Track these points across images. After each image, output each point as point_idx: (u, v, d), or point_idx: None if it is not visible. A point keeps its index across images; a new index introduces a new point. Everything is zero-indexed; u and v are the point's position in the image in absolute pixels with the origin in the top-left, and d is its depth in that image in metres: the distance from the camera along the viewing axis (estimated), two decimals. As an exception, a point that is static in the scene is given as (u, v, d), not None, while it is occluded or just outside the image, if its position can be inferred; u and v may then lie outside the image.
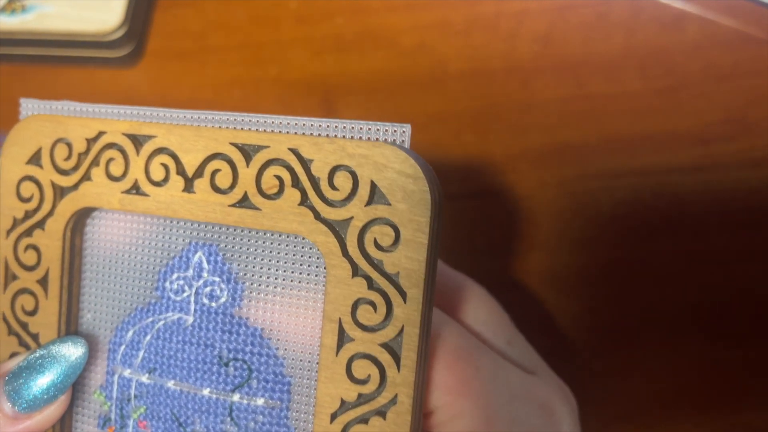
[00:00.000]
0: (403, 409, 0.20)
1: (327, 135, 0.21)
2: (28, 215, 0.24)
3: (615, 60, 0.36)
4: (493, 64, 0.37)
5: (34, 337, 0.24)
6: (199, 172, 0.22)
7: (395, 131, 0.20)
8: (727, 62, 0.36)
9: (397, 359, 0.20)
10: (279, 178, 0.21)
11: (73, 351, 0.23)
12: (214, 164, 0.22)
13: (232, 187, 0.21)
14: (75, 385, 0.24)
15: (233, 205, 0.21)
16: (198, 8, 0.39)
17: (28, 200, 0.24)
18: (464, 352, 0.22)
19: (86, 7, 0.39)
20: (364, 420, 0.20)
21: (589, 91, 0.36)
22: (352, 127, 0.20)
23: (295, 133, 0.21)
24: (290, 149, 0.21)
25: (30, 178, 0.24)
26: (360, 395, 0.20)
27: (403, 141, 0.20)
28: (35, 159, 0.24)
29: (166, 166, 0.22)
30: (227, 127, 0.22)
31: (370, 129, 0.20)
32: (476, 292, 0.27)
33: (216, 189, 0.22)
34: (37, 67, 0.39)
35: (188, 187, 0.22)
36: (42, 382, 0.22)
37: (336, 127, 0.21)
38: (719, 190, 0.34)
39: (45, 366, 0.22)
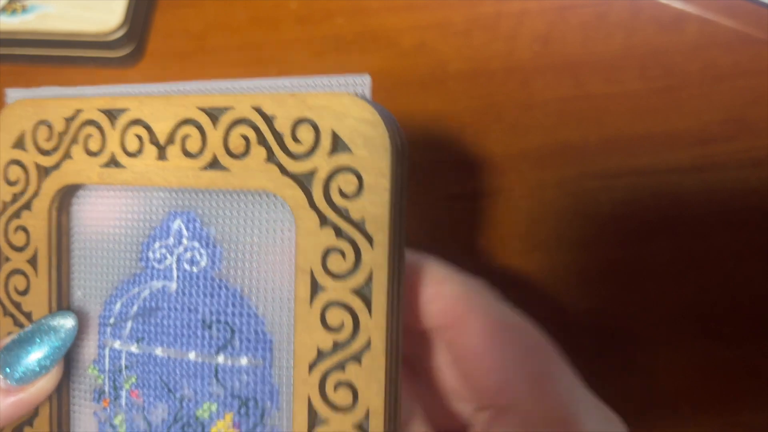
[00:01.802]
0: (377, 353, 0.20)
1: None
2: (16, 198, 0.24)
3: (614, 60, 0.36)
4: (493, 64, 0.37)
5: (28, 315, 0.24)
6: (170, 139, 0.22)
7: (356, 83, 0.21)
8: (727, 62, 0.36)
9: (368, 304, 0.20)
10: (245, 137, 0.21)
11: (62, 323, 0.23)
12: (184, 130, 0.22)
13: (202, 150, 0.22)
14: (70, 362, 0.24)
15: (204, 168, 0.22)
16: (198, 9, 0.39)
17: (15, 183, 0.24)
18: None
19: (87, 8, 0.39)
20: (341, 367, 0.20)
21: (589, 91, 0.36)
22: (314, 84, 0.21)
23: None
24: (253, 107, 0.21)
25: (16, 161, 0.24)
26: (335, 343, 0.20)
27: (364, 92, 0.21)
28: (19, 143, 0.24)
29: (139, 137, 0.23)
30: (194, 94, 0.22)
31: (331, 83, 0.21)
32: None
33: (187, 154, 0.22)
34: (37, 67, 0.39)
35: (161, 155, 0.22)
36: (34, 355, 0.22)
37: (298, 84, 0.21)
38: (718, 190, 0.34)
39: (36, 339, 0.22)
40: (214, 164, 0.22)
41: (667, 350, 0.33)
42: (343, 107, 0.20)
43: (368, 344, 0.20)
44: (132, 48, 0.39)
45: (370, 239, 0.20)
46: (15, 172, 0.24)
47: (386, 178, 0.20)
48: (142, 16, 0.39)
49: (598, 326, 0.33)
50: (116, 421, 0.24)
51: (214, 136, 0.22)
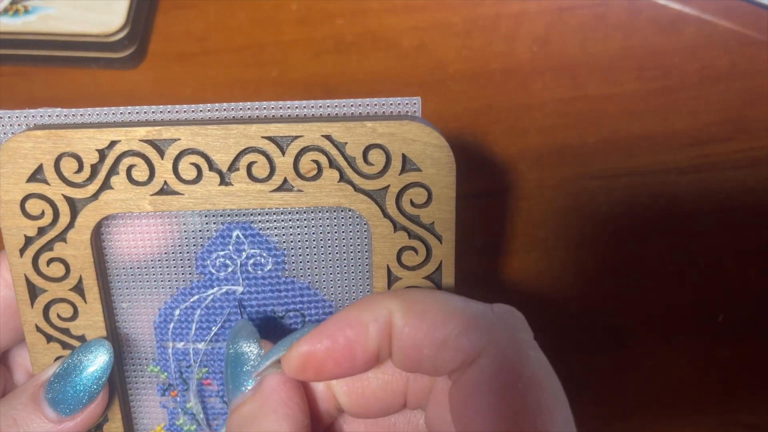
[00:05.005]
0: None
1: (351, 113, 0.23)
2: (43, 231, 0.24)
3: (613, 61, 0.36)
4: (492, 65, 0.37)
5: (80, 338, 0.25)
6: (233, 167, 0.23)
7: (407, 103, 0.23)
8: (724, 63, 0.36)
9: (438, 285, 0.24)
10: (316, 162, 0.23)
11: (99, 354, 0.24)
12: (249, 157, 0.23)
13: (271, 175, 0.23)
14: (129, 364, 0.26)
15: (274, 191, 0.23)
16: (199, 10, 0.39)
17: (38, 217, 0.23)
18: None
19: (89, 9, 0.39)
20: None
21: (587, 92, 0.36)
22: (367, 104, 0.23)
23: (320, 115, 0.23)
24: (323, 136, 0.23)
25: (36, 195, 0.23)
26: None
27: (415, 111, 0.23)
28: (37, 176, 0.23)
29: (197, 165, 0.23)
30: (252, 121, 0.23)
31: (384, 104, 0.23)
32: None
33: (254, 179, 0.23)
34: (40, 69, 0.39)
35: (224, 180, 0.23)
36: (78, 385, 0.24)
37: (352, 105, 0.24)
38: (716, 190, 0.34)
39: (78, 370, 0.24)
40: (285, 185, 0.23)
41: (665, 349, 0.33)
42: (411, 134, 0.23)
43: None
44: (134, 49, 0.39)
45: (439, 237, 0.24)
46: (37, 205, 0.23)
47: (452, 189, 0.23)
48: (144, 17, 0.40)
49: (595, 325, 0.34)
50: (188, 406, 0.26)
51: (283, 161, 0.23)
